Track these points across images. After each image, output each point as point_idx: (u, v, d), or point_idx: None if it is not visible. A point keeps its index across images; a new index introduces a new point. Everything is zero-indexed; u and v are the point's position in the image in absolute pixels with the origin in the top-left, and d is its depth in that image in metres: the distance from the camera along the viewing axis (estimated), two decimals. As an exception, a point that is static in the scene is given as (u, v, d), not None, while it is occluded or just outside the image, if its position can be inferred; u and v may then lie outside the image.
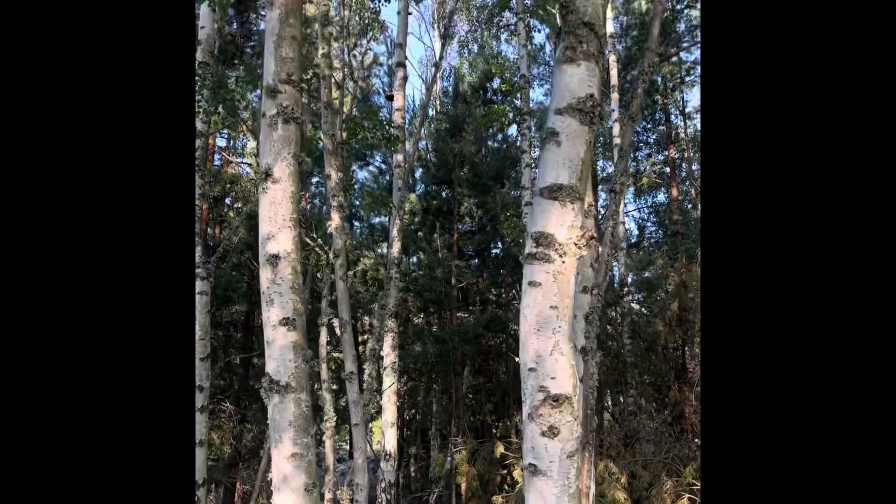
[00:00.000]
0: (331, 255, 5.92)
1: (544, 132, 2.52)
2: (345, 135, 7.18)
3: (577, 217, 2.44)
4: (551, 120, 2.51)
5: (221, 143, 14.36)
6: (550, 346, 2.36)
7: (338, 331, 6.90)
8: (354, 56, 13.51)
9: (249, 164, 13.70)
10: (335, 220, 4.99)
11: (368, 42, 14.41)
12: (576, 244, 2.43)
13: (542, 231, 2.43)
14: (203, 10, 8.80)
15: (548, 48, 20.45)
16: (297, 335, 2.83)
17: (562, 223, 2.43)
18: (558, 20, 2.56)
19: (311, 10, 7.33)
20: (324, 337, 6.45)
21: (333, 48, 6.70)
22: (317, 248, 7.09)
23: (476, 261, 15.52)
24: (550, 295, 2.39)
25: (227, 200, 14.02)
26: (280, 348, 2.80)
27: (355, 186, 17.34)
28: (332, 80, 5.93)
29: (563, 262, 2.42)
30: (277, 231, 2.84)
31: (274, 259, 2.83)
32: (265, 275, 2.85)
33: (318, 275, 8.35)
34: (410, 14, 10.07)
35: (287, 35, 2.92)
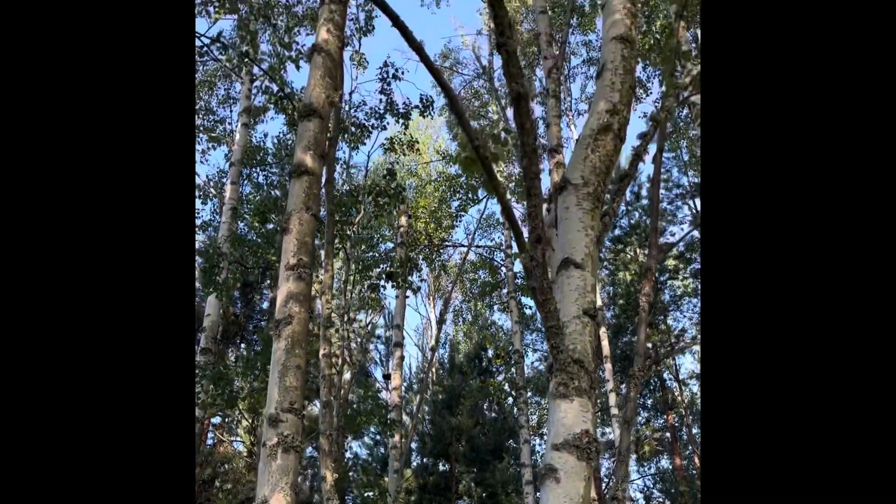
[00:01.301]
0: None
1: (543, 468, 2.54)
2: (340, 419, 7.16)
3: (583, 563, 2.37)
4: (549, 455, 2.54)
5: (216, 419, 14.23)
6: None
7: None
8: (353, 331, 13.94)
9: (243, 442, 13.45)
10: (329, 526, 4.78)
11: (368, 324, 14.97)
12: (584, 591, 2.34)
13: (548, 578, 2.34)
14: (210, 299, 9.27)
15: (538, 316, 21.23)
16: None
17: (568, 570, 2.35)
18: (550, 357, 2.71)
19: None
20: None
21: (335, 346, 6.96)
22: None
23: (477, 546, 14.52)
24: None
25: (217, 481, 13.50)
26: None
27: (348, 459, 16.81)
28: (332, 376, 6.07)
29: None
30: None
31: None
32: None
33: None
34: (408, 297, 10.62)
35: (292, 365, 3.07)
